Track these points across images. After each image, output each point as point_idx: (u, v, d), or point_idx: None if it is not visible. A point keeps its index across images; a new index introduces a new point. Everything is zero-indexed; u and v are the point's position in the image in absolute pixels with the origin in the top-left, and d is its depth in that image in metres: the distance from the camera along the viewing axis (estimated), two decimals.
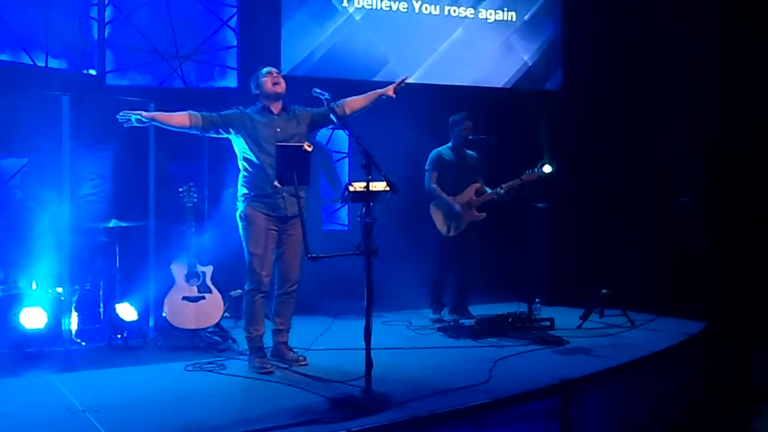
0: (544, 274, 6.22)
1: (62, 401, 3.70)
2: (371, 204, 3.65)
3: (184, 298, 4.95)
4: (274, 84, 4.43)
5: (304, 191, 4.19)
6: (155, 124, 4.39)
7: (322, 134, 6.87)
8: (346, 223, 7.23)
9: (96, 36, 6.35)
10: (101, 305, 5.18)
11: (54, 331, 4.73)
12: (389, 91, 4.49)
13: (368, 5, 6.90)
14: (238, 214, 4.42)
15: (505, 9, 7.37)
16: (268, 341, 4.51)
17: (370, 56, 6.88)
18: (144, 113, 4.28)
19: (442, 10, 7.15)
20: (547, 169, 5.46)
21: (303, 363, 4.41)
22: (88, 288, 5.14)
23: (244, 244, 4.40)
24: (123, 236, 5.25)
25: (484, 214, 5.77)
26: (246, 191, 4.40)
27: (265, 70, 4.49)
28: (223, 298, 5.08)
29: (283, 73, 4.64)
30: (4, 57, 5.88)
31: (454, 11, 7.20)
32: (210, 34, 6.62)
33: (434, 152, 5.88)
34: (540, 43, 7.48)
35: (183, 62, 6.50)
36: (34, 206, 5.14)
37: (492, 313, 5.54)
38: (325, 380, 4.05)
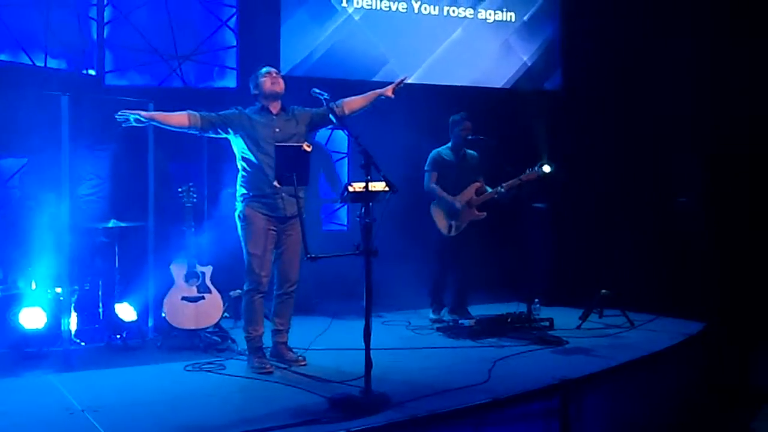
0: (543, 274, 6.22)
1: (61, 401, 3.70)
2: (370, 204, 3.65)
3: (183, 298, 4.95)
4: (273, 84, 4.43)
5: (303, 191, 4.19)
6: (154, 123, 4.39)
7: (322, 134, 6.87)
8: (346, 223, 7.23)
9: (95, 36, 6.34)
10: (100, 305, 5.18)
11: (53, 331, 4.73)
12: (388, 91, 4.49)
13: (367, 5, 6.90)
14: (236, 214, 4.42)
15: (504, 9, 7.37)
16: (267, 341, 4.50)
17: (370, 56, 6.88)
18: (142, 113, 4.28)
19: (441, 10, 7.15)
20: (547, 168, 5.46)
21: (302, 363, 4.41)
22: (87, 288, 5.14)
23: (242, 244, 4.39)
24: (122, 236, 5.24)
25: (485, 214, 5.78)
26: (245, 191, 4.40)
27: (264, 70, 4.49)
28: (222, 298, 5.08)
29: (282, 74, 4.64)
30: (3, 57, 5.88)
31: (454, 11, 7.20)
32: (209, 35, 6.62)
33: (433, 152, 5.88)
34: (539, 43, 7.48)
35: (182, 62, 6.49)
36: (34, 206, 5.13)
37: (491, 314, 5.54)
38: (324, 380, 4.05)
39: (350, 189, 3.68)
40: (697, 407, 4.95)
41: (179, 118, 4.35)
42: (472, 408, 3.59)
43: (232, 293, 5.33)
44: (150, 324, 5.24)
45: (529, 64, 7.44)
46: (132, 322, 5.05)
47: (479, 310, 5.85)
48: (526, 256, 5.88)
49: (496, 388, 3.90)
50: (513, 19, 7.41)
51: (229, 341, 4.93)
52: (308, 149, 3.91)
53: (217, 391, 3.94)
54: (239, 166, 4.44)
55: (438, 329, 5.48)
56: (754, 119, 6.43)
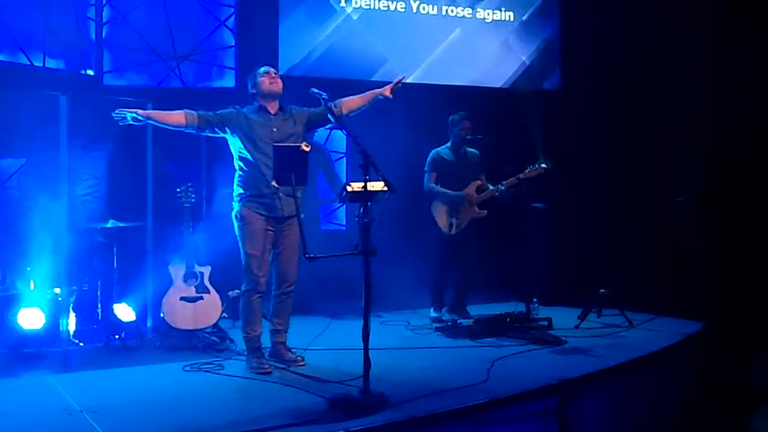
0: (542, 274, 6.22)
1: (60, 402, 3.70)
2: (369, 204, 3.65)
3: (182, 298, 4.95)
4: (271, 84, 4.42)
5: (301, 191, 4.18)
6: (151, 122, 4.39)
7: (321, 134, 6.87)
8: (344, 223, 7.23)
9: (93, 36, 6.34)
10: (99, 306, 5.17)
11: (52, 332, 4.72)
12: (386, 91, 4.48)
13: (366, 5, 6.90)
14: (233, 214, 4.42)
15: (503, 9, 7.37)
16: (266, 341, 4.50)
17: (368, 56, 6.88)
18: (140, 111, 4.27)
19: (439, 9, 7.15)
20: (543, 166, 5.46)
21: (301, 363, 4.41)
22: (85, 288, 5.13)
23: (240, 244, 4.39)
24: (121, 236, 5.24)
25: (486, 212, 5.78)
26: (241, 191, 4.39)
27: (262, 69, 4.48)
28: (221, 298, 5.08)
29: (280, 73, 4.64)
30: (1, 57, 5.88)
31: (452, 11, 7.20)
32: (208, 34, 6.61)
33: (432, 153, 5.88)
34: (538, 42, 7.48)
35: (181, 62, 6.49)
36: (32, 206, 5.12)
37: (490, 313, 5.54)
38: (323, 380, 4.04)
39: (349, 189, 3.67)
40: (696, 407, 4.95)
41: (176, 117, 4.34)
42: (470, 408, 3.58)
43: (230, 293, 5.33)
44: (148, 324, 5.24)
45: (528, 64, 7.44)
46: (130, 322, 5.05)
47: (478, 310, 5.85)
48: (525, 255, 5.88)
49: (494, 387, 3.90)
50: (512, 19, 7.41)
51: (228, 341, 4.92)
52: (306, 149, 3.91)
53: (216, 392, 3.94)
54: (236, 166, 4.44)
55: (437, 329, 5.48)
56: (753, 119, 6.43)
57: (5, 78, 5.71)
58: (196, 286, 5.00)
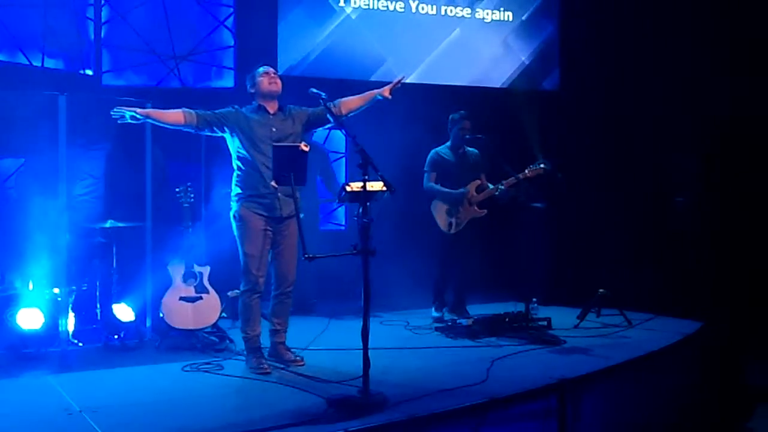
0: (541, 274, 6.23)
1: (59, 402, 3.69)
2: (368, 204, 3.65)
3: (181, 298, 4.94)
4: (270, 83, 4.42)
5: (299, 191, 4.18)
6: (150, 121, 4.38)
7: (320, 134, 6.87)
8: (344, 223, 7.23)
9: (92, 36, 6.34)
10: (98, 306, 5.17)
11: (51, 332, 4.71)
12: (385, 91, 4.46)
13: (365, 5, 6.90)
14: (232, 214, 4.41)
15: (502, 9, 7.38)
16: (265, 341, 4.50)
17: (367, 56, 6.89)
18: (138, 110, 4.25)
19: (438, 9, 7.16)
20: (543, 165, 5.47)
21: (300, 363, 4.41)
22: (84, 288, 5.13)
23: (238, 244, 4.38)
24: (120, 237, 5.24)
25: (485, 211, 5.78)
26: (240, 191, 4.38)
27: (261, 69, 4.48)
28: (220, 298, 5.08)
29: (279, 73, 4.63)
30: (0, 57, 5.87)
31: (451, 11, 7.20)
32: (207, 34, 6.62)
33: (432, 153, 5.89)
34: (538, 42, 7.49)
35: (180, 62, 6.49)
36: (30, 206, 5.12)
37: (489, 313, 5.54)
38: (322, 380, 4.04)
39: (348, 189, 3.68)
40: (694, 407, 4.95)
41: (175, 116, 4.34)
42: (470, 408, 3.59)
43: (230, 293, 5.33)
44: (148, 324, 5.24)
45: (528, 63, 7.44)
46: (130, 322, 5.04)
47: (477, 310, 5.85)
48: (524, 255, 5.88)
49: (494, 387, 3.90)
50: (511, 19, 7.42)
51: (227, 341, 4.92)
52: (306, 149, 3.91)
53: (215, 392, 3.94)
54: (234, 166, 4.43)
55: (436, 329, 5.48)
56: (753, 119, 6.44)
57: (4, 78, 5.71)
58: (195, 286, 5.00)
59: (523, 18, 7.46)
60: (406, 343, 5.13)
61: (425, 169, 5.87)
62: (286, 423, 3.31)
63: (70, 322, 4.88)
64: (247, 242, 4.34)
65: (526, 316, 5.38)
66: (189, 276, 5.01)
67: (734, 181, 6.47)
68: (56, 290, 4.86)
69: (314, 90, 4.17)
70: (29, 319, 4.65)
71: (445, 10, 7.18)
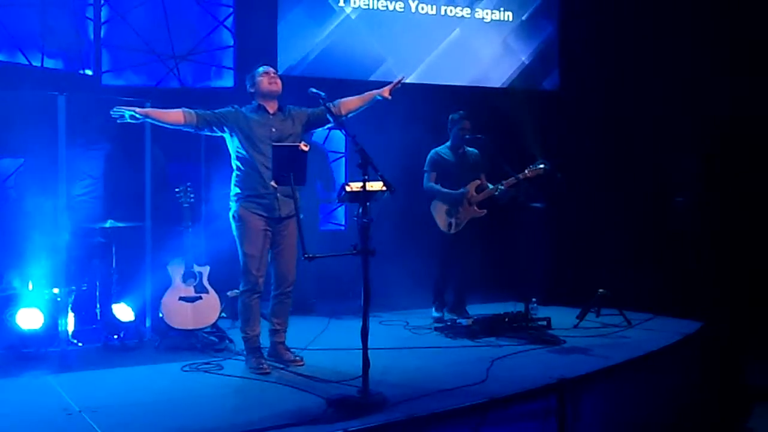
0: (540, 274, 6.23)
1: (59, 402, 3.69)
2: (368, 204, 3.65)
3: (180, 298, 4.94)
4: (271, 83, 4.41)
5: (299, 191, 4.18)
6: (149, 120, 4.37)
7: (320, 133, 6.87)
8: (343, 223, 7.23)
9: (92, 36, 6.34)
10: (98, 306, 5.17)
11: (50, 332, 4.71)
12: (385, 92, 4.46)
13: (364, 5, 6.90)
14: (231, 214, 4.41)
15: (502, 9, 7.38)
16: (265, 341, 4.50)
17: (367, 56, 6.89)
18: (138, 109, 4.25)
19: (438, 9, 7.16)
20: (541, 166, 5.47)
21: (300, 363, 4.41)
22: (84, 288, 5.13)
23: (238, 244, 4.38)
24: (119, 236, 5.24)
25: (485, 211, 5.78)
26: (239, 191, 4.38)
27: (261, 69, 4.47)
28: (220, 298, 5.08)
29: (279, 73, 4.63)
30: (0, 57, 5.87)
31: (451, 11, 7.20)
32: (206, 34, 6.61)
33: (432, 153, 5.89)
34: (537, 42, 7.49)
35: (179, 62, 6.49)
36: (30, 206, 5.12)
37: (489, 313, 5.54)
38: (322, 380, 4.04)
39: (347, 189, 3.67)
40: (694, 406, 4.95)
41: (175, 116, 4.34)
42: (469, 408, 3.59)
43: (229, 293, 5.33)
44: (147, 324, 5.24)
45: (527, 63, 7.45)
46: (129, 322, 5.04)
47: (477, 310, 5.85)
48: (524, 255, 5.89)
49: (493, 387, 3.90)
50: (510, 19, 7.42)
51: (227, 341, 4.92)
52: (305, 149, 3.91)
53: (215, 392, 3.94)
54: (234, 165, 4.43)
55: (436, 329, 5.49)
56: (752, 119, 6.44)
57: (3, 78, 5.71)
58: (194, 286, 5.00)
59: (523, 18, 7.47)
60: (406, 343, 5.13)
61: (425, 169, 5.87)
62: (285, 423, 3.31)
63: (70, 322, 4.89)
64: (247, 242, 4.33)
65: (526, 316, 5.38)
66: (188, 276, 5.01)
67: (734, 181, 6.47)
68: (56, 290, 4.86)
69: (314, 90, 4.17)
70: (29, 319, 4.65)
71: (445, 10, 7.18)
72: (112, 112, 4.23)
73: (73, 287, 4.99)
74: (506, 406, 3.74)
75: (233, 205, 4.40)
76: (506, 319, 5.36)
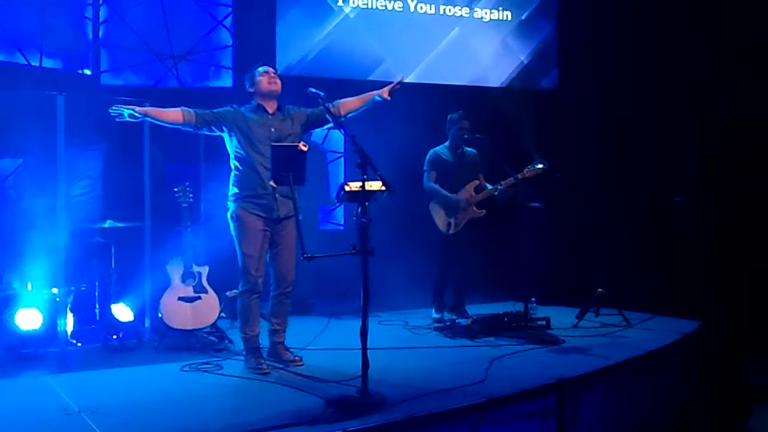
0: (540, 274, 6.22)
1: (58, 402, 3.69)
2: (367, 204, 3.65)
3: (180, 298, 4.94)
4: (270, 83, 4.41)
5: (298, 191, 4.17)
6: (148, 119, 4.36)
7: (319, 133, 6.87)
8: (342, 222, 7.23)
9: (90, 36, 6.34)
10: (97, 306, 5.17)
11: (49, 332, 4.71)
12: (384, 93, 4.44)
13: (363, 4, 6.90)
14: (229, 214, 4.39)
15: (500, 8, 7.38)
16: (264, 341, 4.50)
17: (366, 55, 6.89)
18: (137, 108, 4.24)
19: (437, 9, 7.16)
20: (540, 166, 5.47)
21: (299, 363, 4.41)
22: (83, 289, 5.12)
23: (236, 245, 4.38)
24: (118, 237, 5.23)
25: (484, 211, 5.78)
26: (237, 191, 4.37)
27: (261, 68, 4.46)
28: (219, 298, 5.08)
29: (278, 73, 4.62)
30: None
31: (449, 10, 7.20)
32: (205, 34, 6.61)
33: (431, 152, 5.88)
34: (537, 42, 7.49)
35: (178, 62, 6.49)
36: (28, 206, 5.11)
37: (488, 313, 5.54)
38: (321, 380, 4.04)
39: (347, 188, 3.67)
40: (694, 406, 4.96)
41: (174, 115, 4.33)
42: (469, 407, 3.58)
43: (228, 293, 5.33)
44: (147, 324, 5.24)
45: (526, 63, 7.45)
46: (129, 322, 5.04)
47: (476, 310, 5.85)
48: (523, 255, 5.88)
49: (492, 387, 3.90)
50: (509, 18, 7.42)
51: (226, 341, 4.92)
52: (304, 149, 3.90)
53: (214, 392, 3.94)
54: (232, 165, 4.42)
55: (435, 329, 5.48)
56: (751, 119, 6.44)
57: (2, 77, 5.70)
58: (194, 286, 5.00)
59: (522, 17, 7.47)
60: (405, 342, 5.13)
61: (425, 168, 5.86)
62: (284, 423, 3.30)
63: (69, 323, 4.88)
64: (245, 243, 4.33)
65: (525, 315, 5.38)
66: (188, 276, 5.01)
67: (734, 181, 6.48)
68: (55, 290, 4.85)
69: (313, 90, 4.16)
70: (28, 319, 4.64)
71: (444, 10, 7.18)
72: (110, 111, 4.22)
73: (72, 287, 4.98)
74: (505, 405, 3.74)
75: (231, 205, 4.39)
76: (505, 319, 5.36)
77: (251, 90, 4.47)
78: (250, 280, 4.34)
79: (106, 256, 5.21)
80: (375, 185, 3.66)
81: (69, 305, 4.92)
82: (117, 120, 4.24)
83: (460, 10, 7.24)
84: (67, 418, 3.44)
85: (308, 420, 3.35)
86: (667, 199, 6.74)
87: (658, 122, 6.73)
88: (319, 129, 4.82)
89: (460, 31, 7.23)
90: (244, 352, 4.45)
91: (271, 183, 4.14)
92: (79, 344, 4.84)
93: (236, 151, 4.38)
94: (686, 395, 4.95)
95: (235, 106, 4.44)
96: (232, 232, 4.40)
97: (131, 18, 6.34)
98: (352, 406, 3.48)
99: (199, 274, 5.03)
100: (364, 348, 3.58)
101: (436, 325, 5.60)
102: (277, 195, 4.28)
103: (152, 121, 4.38)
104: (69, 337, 4.84)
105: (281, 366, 4.37)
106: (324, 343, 5.00)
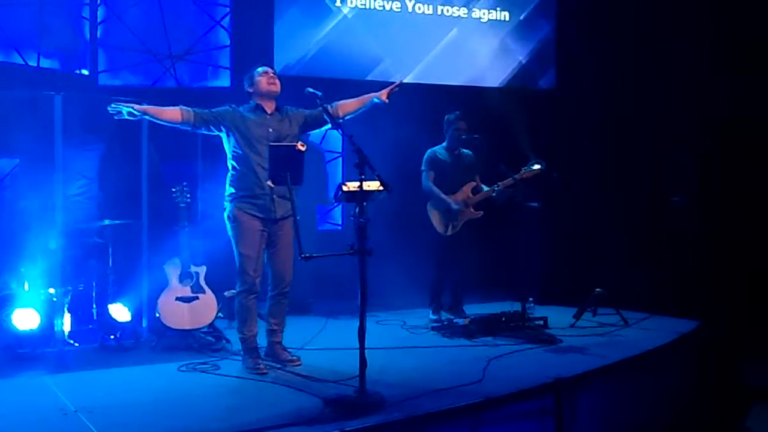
0: (537, 273, 6.23)
1: (55, 402, 3.69)
2: (365, 204, 3.64)
3: (177, 298, 4.94)
4: (270, 84, 4.40)
5: (295, 191, 4.16)
6: (147, 117, 4.34)
7: (316, 133, 6.86)
8: (340, 222, 7.23)
9: (88, 36, 6.33)
10: (94, 306, 5.16)
11: (47, 332, 4.70)
12: (383, 95, 4.43)
13: (361, 5, 6.90)
14: (226, 214, 4.39)
15: (498, 9, 7.39)
16: (262, 341, 4.50)
17: (364, 56, 6.89)
18: (136, 106, 4.23)
19: (435, 9, 7.16)
20: (537, 166, 5.47)
21: (297, 363, 4.40)
22: (81, 289, 5.12)
23: (233, 245, 4.37)
24: (116, 237, 5.23)
25: (482, 212, 5.78)
26: (233, 191, 4.36)
27: (260, 69, 4.46)
28: (216, 298, 5.07)
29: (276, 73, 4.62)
30: None
31: (447, 11, 7.21)
32: (203, 34, 6.61)
33: (429, 152, 5.88)
34: (535, 42, 7.50)
35: (176, 62, 6.48)
36: (25, 207, 5.11)
37: (486, 313, 5.54)
38: (319, 380, 4.04)
39: (344, 188, 3.67)
40: (691, 406, 4.96)
41: (172, 113, 4.32)
42: (466, 407, 3.59)
43: (226, 293, 5.32)
44: (144, 324, 5.24)
45: (524, 63, 7.45)
46: (126, 322, 5.03)
47: (474, 309, 5.85)
48: (521, 255, 5.89)
49: (490, 387, 3.90)
50: (507, 19, 7.42)
51: (224, 341, 4.91)
52: (302, 149, 3.90)
53: (212, 392, 3.93)
54: (229, 165, 4.41)
55: (433, 329, 5.49)
56: (750, 119, 6.45)
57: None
58: (191, 286, 4.99)
59: (520, 18, 7.47)
60: (403, 342, 5.12)
61: (423, 168, 5.86)
62: (282, 423, 3.30)
63: (66, 323, 4.88)
64: (243, 243, 4.32)
65: (523, 315, 5.39)
66: (185, 276, 5.00)
67: (732, 181, 6.48)
68: (52, 290, 4.85)
69: (311, 89, 4.16)
70: (25, 319, 4.63)
71: (442, 10, 7.18)
72: (109, 108, 4.20)
73: (70, 287, 4.98)
74: (503, 405, 3.74)
75: (228, 206, 4.38)
76: (503, 319, 5.36)
77: (250, 90, 4.46)
78: (248, 281, 4.34)
79: (103, 256, 5.21)
80: (373, 185, 3.66)
81: (66, 305, 4.91)
82: (116, 118, 4.23)
83: (458, 10, 7.24)
84: (63, 418, 3.44)
85: (306, 420, 3.35)
86: (664, 199, 6.75)
87: (656, 122, 6.74)
88: (317, 130, 4.80)
89: (458, 31, 7.23)
90: (241, 352, 4.45)
91: (269, 183, 4.14)
92: (76, 344, 4.84)
93: (234, 151, 4.38)
94: (684, 395, 4.95)
95: (233, 105, 4.44)
96: (229, 233, 4.39)
97: (129, 18, 6.34)
98: (350, 406, 3.48)
99: (197, 274, 5.03)
100: (362, 348, 3.58)
101: (433, 324, 5.60)
102: (274, 195, 4.28)
103: (150, 119, 4.37)
104: (66, 337, 4.84)
105: (279, 366, 4.37)
106: (322, 343, 5.00)
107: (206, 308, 4.98)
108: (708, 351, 5.41)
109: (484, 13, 7.34)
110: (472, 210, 5.77)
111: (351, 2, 6.86)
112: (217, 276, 5.13)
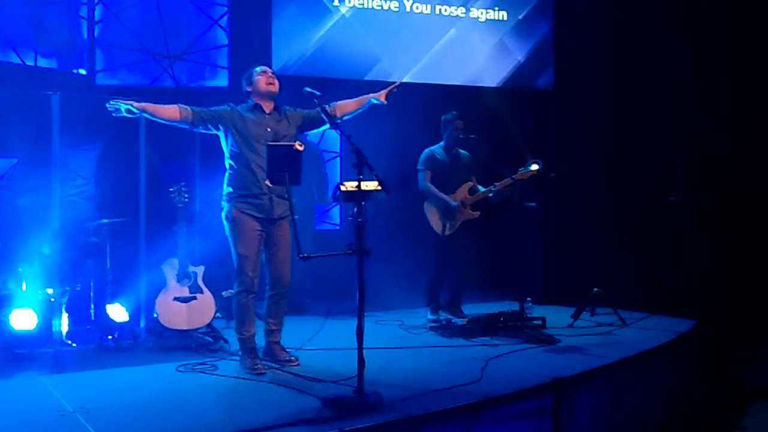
0: (535, 273, 6.24)
1: (52, 403, 3.68)
2: (363, 203, 3.64)
3: (175, 298, 4.93)
4: (269, 84, 4.39)
5: (292, 191, 4.16)
6: (145, 115, 4.32)
7: (315, 132, 6.86)
8: (339, 222, 7.23)
9: (86, 35, 6.32)
10: (92, 306, 5.16)
11: (44, 333, 4.70)
12: (381, 96, 4.43)
13: (359, 4, 6.90)
14: (223, 214, 4.38)
15: (496, 8, 7.39)
16: (260, 341, 4.49)
17: (362, 55, 6.89)
18: (134, 103, 4.22)
19: (433, 9, 7.16)
20: (535, 166, 5.47)
21: (295, 363, 4.40)
22: (78, 289, 5.11)
23: (231, 245, 4.36)
24: (114, 237, 5.22)
25: (479, 213, 5.78)
26: (231, 191, 4.35)
27: (259, 68, 4.45)
28: (214, 298, 5.07)
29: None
30: None
31: (446, 10, 7.21)
32: (200, 33, 6.60)
33: (426, 151, 5.88)
34: (533, 42, 7.50)
35: (174, 61, 6.47)
36: (23, 206, 5.10)
37: (484, 312, 5.54)
38: (317, 380, 4.04)
39: (342, 188, 3.67)
40: (689, 405, 4.97)
41: (170, 111, 4.31)
42: (464, 407, 3.59)
43: (224, 293, 5.31)
44: (142, 325, 5.23)
45: (523, 62, 7.45)
46: (124, 322, 5.03)
47: (472, 309, 5.85)
48: (519, 255, 5.89)
49: (488, 387, 3.90)
50: (505, 18, 7.43)
51: (222, 341, 4.91)
52: (300, 148, 3.90)
53: (210, 392, 3.93)
54: (227, 165, 4.40)
55: (431, 328, 5.49)
56: (748, 119, 6.46)
57: None
58: (189, 287, 4.99)
59: (519, 17, 7.47)
60: (401, 342, 5.12)
61: (419, 167, 5.85)
62: (281, 423, 3.30)
63: (64, 323, 4.87)
64: (240, 243, 4.32)
65: (521, 315, 5.39)
66: (183, 276, 5.00)
67: (728, 181, 6.49)
68: (49, 291, 4.84)
69: (309, 89, 4.15)
70: (22, 319, 4.63)
71: (440, 10, 7.18)
72: (108, 106, 4.18)
73: (67, 288, 4.97)
74: (501, 405, 3.74)
75: (225, 205, 4.37)
76: (501, 319, 5.36)
77: (248, 89, 4.45)
78: (246, 281, 4.33)
79: (101, 256, 5.20)
80: (371, 185, 3.66)
81: (64, 305, 4.91)
82: (114, 115, 4.21)
83: (456, 9, 7.24)
84: (61, 419, 3.43)
85: (304, 420, 3.34)
86: (662, 198, 6.75)
87: (653, 122, 6.74)
88: (315, 130, 4.80)
89: (456, 31, 7.23)
90: (239, 353, 4.44)
91: (267, 182, 4.13)
92: (74, 345, 4.83)
93: (232, 150, 4.37)
94: (681, 394, 4.96)
95: (232, 104, 4.43)
96: (227, 233, 4.38)
97: (127, 17, 6.33)
98: (348, 406, 3.48)
99: (195, 274, 5.02)
100: (360, 348, 3.58)
101: (432, 324, 5.60)
102: (272, 195, 4.27)
103: (149, 117, 4.35)
104: (64, 338, 4.83)
105: (277, 366, 4.37)
106: (320, 343, 4.99)
107: (204, 308, 4.98)
108: (705, 350, 5.41)
109: (482, 13, 7.34)
110: (469, 210, 5.77)
111: (349, 2, 6.85)
112: (215, 276, 5.13)
